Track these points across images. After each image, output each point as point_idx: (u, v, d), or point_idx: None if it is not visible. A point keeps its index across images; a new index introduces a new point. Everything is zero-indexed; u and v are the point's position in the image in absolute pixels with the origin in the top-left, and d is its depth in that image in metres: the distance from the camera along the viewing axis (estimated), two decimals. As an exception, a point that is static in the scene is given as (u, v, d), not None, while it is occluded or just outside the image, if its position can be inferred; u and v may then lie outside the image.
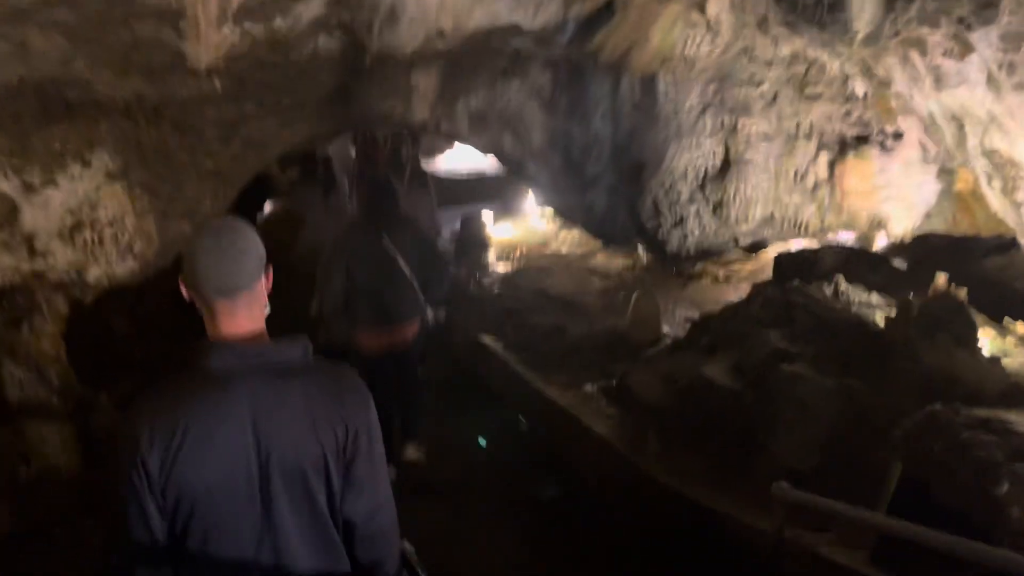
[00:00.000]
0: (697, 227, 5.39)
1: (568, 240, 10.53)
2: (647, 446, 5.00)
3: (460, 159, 19.74)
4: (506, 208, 12.94)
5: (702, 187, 5.26)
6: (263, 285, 1.81)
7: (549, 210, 11.90)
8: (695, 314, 7.99)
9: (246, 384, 1.71)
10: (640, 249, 9.62)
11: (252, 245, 1.77)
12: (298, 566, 1.76)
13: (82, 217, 3.89)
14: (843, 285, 4.91)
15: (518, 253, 9.93)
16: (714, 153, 5.30)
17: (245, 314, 1.76)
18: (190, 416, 1.67)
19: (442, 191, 13.20)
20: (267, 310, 1.85)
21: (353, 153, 12.96)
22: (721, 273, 8.94)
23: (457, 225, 13.86)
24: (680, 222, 5.40)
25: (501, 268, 9.52)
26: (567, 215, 5.66)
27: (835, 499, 3.36)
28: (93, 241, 4.01)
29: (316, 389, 1.79)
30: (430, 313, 5.17)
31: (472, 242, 10.32)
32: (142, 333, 7.68)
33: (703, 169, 5.24)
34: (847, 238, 6.51)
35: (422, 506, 4.99)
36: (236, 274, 1.72)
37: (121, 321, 7.36)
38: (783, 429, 4.21)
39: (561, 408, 5.74)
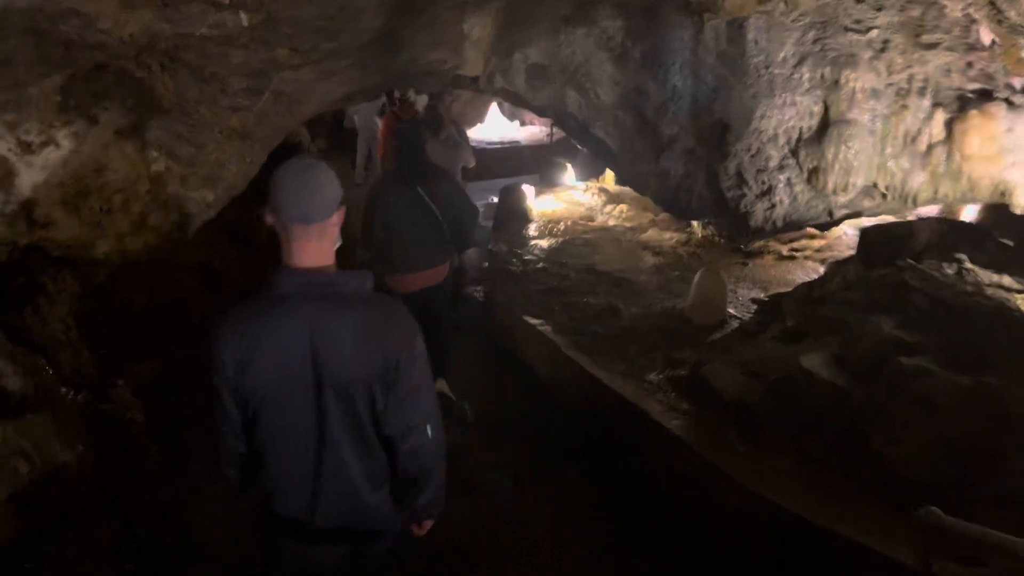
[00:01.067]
0: (787, 197, 4.73)
1: (615, 213, 9.87)
2: (730, 446, 4.39)
3: (491, 129, 19.15)
4: (543, 181, 12.30)
5: (795, 152, 4.59)
6: (335, 221, 2.10)
7: (594, 182, 11.24)
8: (760, 294, 7.35)
9: (309, 306, 2.05)
10: (696, 223, 8.95)
11: (329, 184, 2.08)
12: (345, 472, 2.15)
13: (88, 182, 3.31)
14: (968, 264, 4.23)
15: (562, 227, 9.29)
16: (811, 112, 4.59)
17: (315, 244, 2.06)
18: (258, 330, 2.07)
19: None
20: (338, 243, 2.14)
21: (380, 123, 12.38)
22: (785, 250, 8.27)
23: (487, 200, 13.25)
24: (767, 192, 4.75)
25: (544, 243, 8.89)
26: (636, 183, 5.05)
27: (978, 522, 2.75)
28: (101, 210, 3.43)
29: (369, 318, 2.12)
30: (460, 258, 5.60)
31: (512, 215, 9.69)
32: (164, 313, 7.17)
33: (797, 131, 4.56)
34: (968, 210, 5.79)
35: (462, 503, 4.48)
36: (312, 205, 2.02)
37: (140, 300, 6.84)
38: (903, 434, 3.58)
39: (625, 400, 5.13)
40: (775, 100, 4.46)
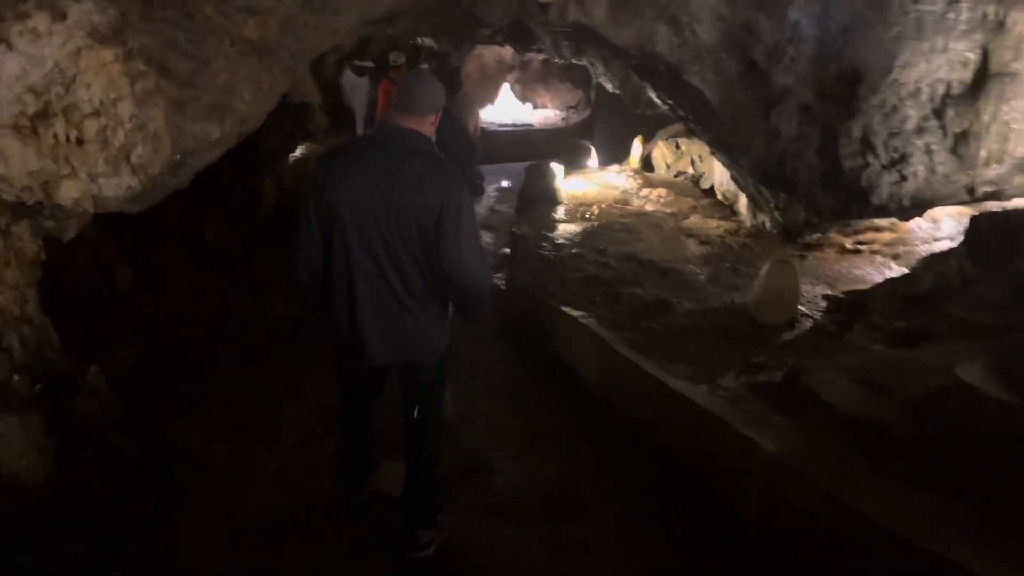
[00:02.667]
0: (923, 168, 3.87)
1: (653, 198, 9.01)
2: (852, 474, 3.52)
3: (502, 112, 18.24)
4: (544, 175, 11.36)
5: (939, 111, 3.73)
6: (430, 120, 3.00)
7: (627, 163, 10.37)
8: (827, 291, 6.51)
9: (389, 151, 2.87)
10: (746, 209, 8.10)
11: (432, 93, 2.99)
12: (406, 282, 2.92)
13: (51, 100, 2.41)
14: None
15: (595, 211, 8.41)
16: (965, 61, 3.72)
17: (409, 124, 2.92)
18: (348, 159, 2.93)
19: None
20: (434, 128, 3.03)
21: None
22: (849, 243, 7.44)
23: (499, 184, 12.38)
24: (899, 161, 3.89)
25: (576, 227, 8.01)
26: (734, 145, 4.20)
27: None
28: (68, 139, 2.53)
29: (429, 168, 2.88)
30: None
31: (539, 196, 8.80)
32: (153, 285, 6.27)
33: (945, 85, 3.70)
34: None
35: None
36: (413, 103, 2.93)
37: (125, 270, 5.94)
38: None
39: (701, 410, 4.27)
40: (922, 45, 3.59)
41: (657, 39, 3.60)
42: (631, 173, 9.71)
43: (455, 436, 4.68)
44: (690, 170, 11.66)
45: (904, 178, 3.97)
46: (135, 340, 5.29)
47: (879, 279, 6.73)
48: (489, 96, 17.93)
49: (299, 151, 10.40)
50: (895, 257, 7.06)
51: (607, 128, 16.06)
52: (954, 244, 6.90)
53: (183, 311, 6.37)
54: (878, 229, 7.36)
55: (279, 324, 6.74)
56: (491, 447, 4.55)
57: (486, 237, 10.11)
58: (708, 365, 5.21)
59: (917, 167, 3.91)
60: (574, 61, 8.15)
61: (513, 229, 8.26)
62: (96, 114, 2.51)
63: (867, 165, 3.87)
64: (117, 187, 2.70)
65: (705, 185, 10.30)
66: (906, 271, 6.70)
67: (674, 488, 4.12)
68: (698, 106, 3.87)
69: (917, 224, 7.32)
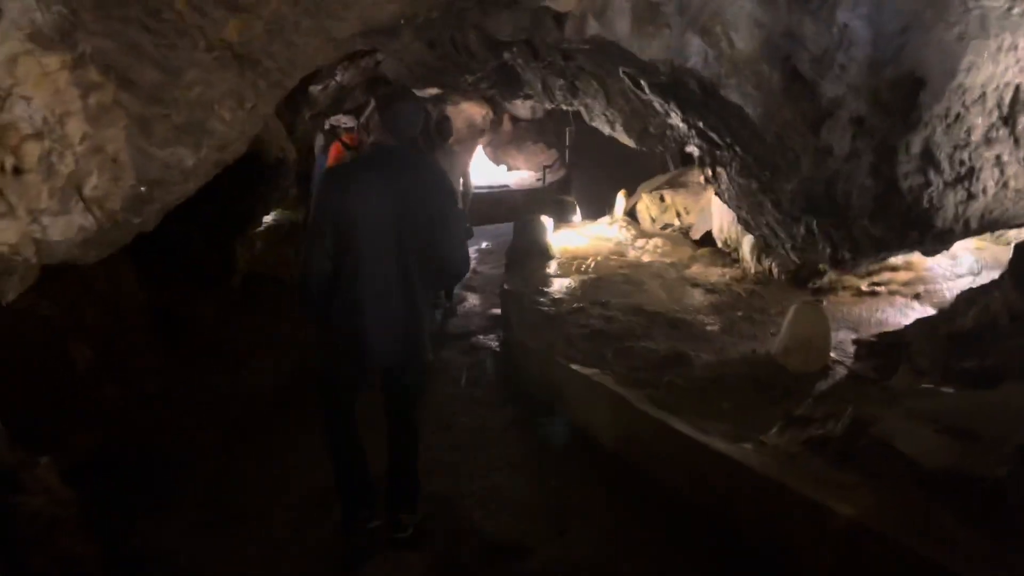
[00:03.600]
0: (993, 184, 3.44)
1: (649, 248, 8.62)
2: (949, 534, 2.99)
3: (477, 175, 17.99)
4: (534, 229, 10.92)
5: (1008, 119, 3.33)
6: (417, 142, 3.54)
7: (619, 214, 10.02)
8: (851, 335, 6.07)
9: (393, 167, 3.22)
10: (749, 255, 7.71)
11: (420, 119, 3.36)
12: (411, 288, 3.28)
13: (-20, 118, 1.87)
14: None
15: (591, 264, 7.96)
16: (1037, 61, 3.41)
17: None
18: (357, 176, 3.25)
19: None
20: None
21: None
22: (864, 285, 7.05)
23: (480, 247, 12.05)
24: (965, 176, 3.46)
25: (573, 281, 7.53)
26: (777, 167, 3.73)
27: None
28: (3, 168, 2.00)
29: (429, 179, 3.31)
30: None
31: (530, 251, 8.35)
32: (116, 364, 5.62)
33: (1013, 88, 3.32)
34: None
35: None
36: (408, 128, 3.30)
37: (83, 348, 5.31)
38: None
39: (755, 473, 3.73)
40: (990, 43, 3.23)
41: (689, 52, 3.20)
42: (623, 224, 9.34)
43: (472, 517, 4.08)
44: (676, 222, 11.34)
45: (972, 196, 3.55)
46: (95, 426, 4.63)
47: (905, 321, 6.31)
48: (463, 161, 17.68)
49: (271, 217, 9.89)
50: (916, 297, 6.68)
51: (584, 186, 15.85)
52: (977, 280, 6.57)
53: (151, 392, 5.72)
54: (894, 268, 7.00)
55: (258, 401, 6.11)
56: (515, 528, 3.95)
57: (471, 299, 9.62)
58: (745, 421, 4.69)
59: (986, 182, 3.50)
60: (564, 107, 7.79)
61: (505, 286, 7.77)
62: (38, 135, 1.99)
63: (928, 184, 3.46)
64: (66, 228, 2.16)
65: (695, 236, 9.95)
66: (932, 310, 6.32)
67: (729, 562, 3.54)
68: (736, 125, 3.45)
69: (935, 262, 6.97)
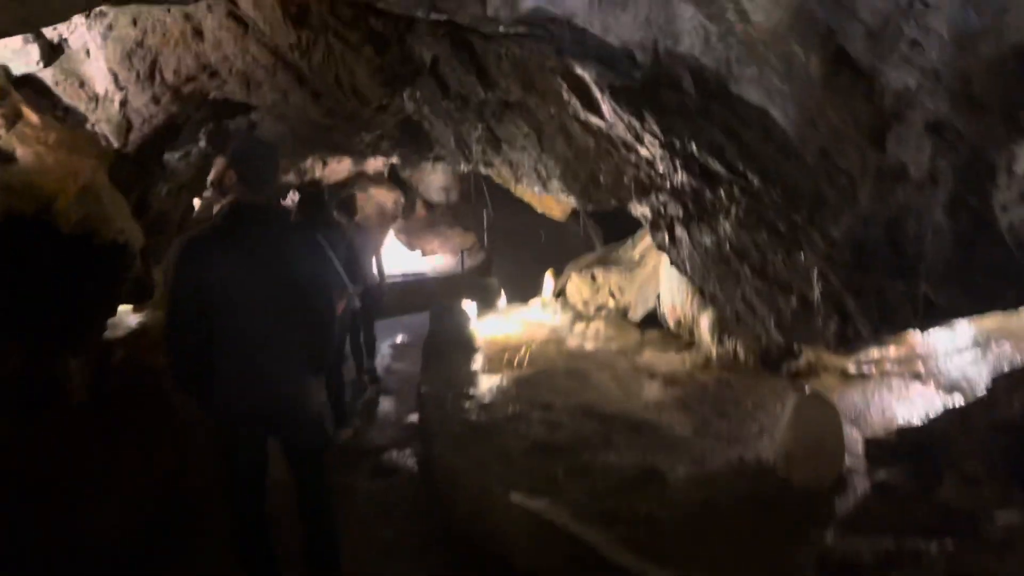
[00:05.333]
0: None
1: (591, 334, 7.39)
2: None
3: (389, 261, 16.63)
4: (454, 317, 9.57)
5: None
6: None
7: (548, 296, 8.82)
8: (859, 432, 4.91)
9: (253, 227, 3.04)
10: (709, 335, 6.56)
11: (276, 163, 3.30)
12: (290, 347, 3.10)
13: None
14: None
15: (525, 355, 6.64)
16: None
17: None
18: (223, 240, 3.02)
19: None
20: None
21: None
22: (851, 366, 5.94)
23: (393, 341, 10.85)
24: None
25: (506, 378, 6.18)
26: (808, 213, 2.63)
27: None
28: None
29: (292, 238, 3.15)
30: None
31: (451, 343, 6.98)
32: None
33: None
34: None
35: None
36: (267, 178, 3.11)
37: None
38: None
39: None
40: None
41: (679, 28, 2.08)
42: (559, 307, 8.13)
43: None
44: (611, 303, 10.25)
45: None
46: None
47: (910, 408, 5.21)
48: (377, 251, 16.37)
49: (138, 319, 8.27)
50: (916, 377, 5.59)
51: (506, 268, 14.74)
52: (985, 354, 5.57)
53: None
54: (882, 343, 5.90)
55: (113, 552, 4.51)
56: None
57: (385, 402, 8.14)
58: (758, 569, 3.38)
59: None
60: (483, 169, 6.61)
61: (422, 389, 6.36)
62: None
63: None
64: None
65: (635, 317, 8.84)
66: (939, 394, 5.24)
67: None
68: (754, 141, 2.32)
69: (929, 334, 5.92)
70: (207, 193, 6.44)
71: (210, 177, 7.19)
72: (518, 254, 14.93)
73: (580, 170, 4.18)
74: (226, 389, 3.10)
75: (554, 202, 11.04)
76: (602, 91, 2.47)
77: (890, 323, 3.36)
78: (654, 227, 5.03)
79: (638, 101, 2.37)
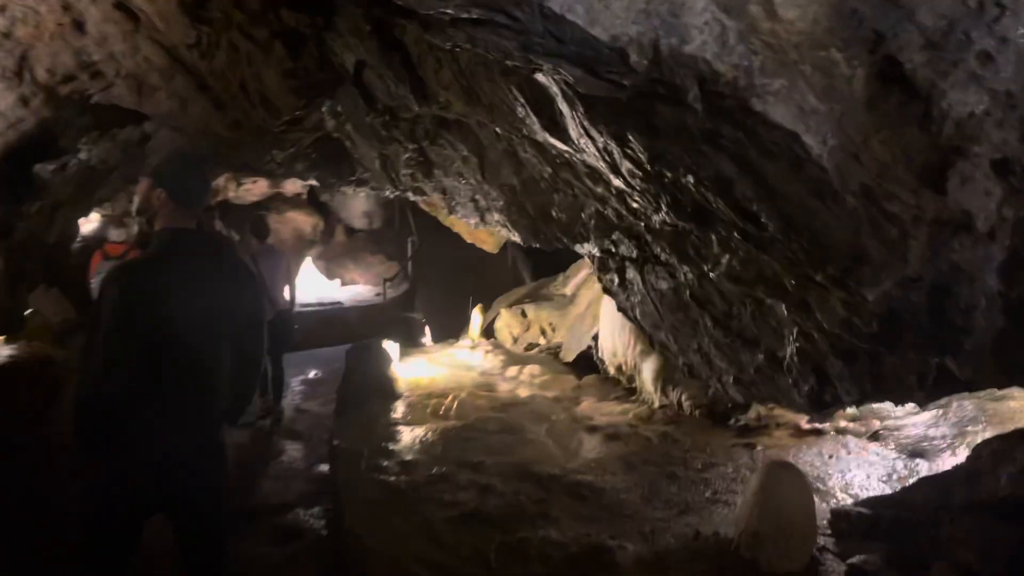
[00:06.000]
0: None
1: (524, 379, 6.79)
2: None
3: (304, 290, 15.68)
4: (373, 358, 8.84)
5: None
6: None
7: (476, 332, 8.20)
8: (822, 500, 4.46)
9: (187, 257, 2.67)
10: (652, 385, 6.07)
11: (204, 178, 2.93)
12: (208, 397, 2.68)
13: None
14: None
15: (452, 404, 5.98)
16: None
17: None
18: (148, 271, 2.63)
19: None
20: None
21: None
22: (803, 422, 5.55)
23: (306, 376, 10.10)
24: None
25: (431, 431, 5.50)
26: (825, 276, 2.16)
27: None
28: None
29: (228, 272, 2.73)
30: None
31: (368, 388, 6.26)
32: None
33: None
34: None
35: None
36: (195, 195, 2.79)
37: None
38: None
39: None
40: None
41: (688, 25, 1.59)
42: (488, 348, 7.52)
43: None
44: (542, 340, 9.73)
45: None
46: None
47: (872, 472, 4.84)
48: (291, 276, 15.42)
49: (7, 353, 7.27)
50: (874, 438, 5.23)
51: (431, 301, 14.03)
52: (946, 412, 5.24)
53: None
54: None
55: None
56: None
57: (292, 449, 7.32)
58: None
59: None
60: (411, 195, 5.96)
61: (335, 441, 5.63)
62: None
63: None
64: None
65: (568, 357, 8.32)
66: (899, 456, 4.87)
67: None
68: (778, 176, 1.80)
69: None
70: (113, 237, 5.63)
71: (134, 205, 6.40)
72: (444, 286, 14.26)
73: (529, 203, 3.58)
74: (123, 448, 2.66)
75: (486, 233, 10.46)
76: (572, 105, 1.93)
77: (885, 392, 2.89)
78: (602, 268, 4.49)
79: (623, 118, 1.86)
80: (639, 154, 1.89)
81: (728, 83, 1.59)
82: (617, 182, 2.17)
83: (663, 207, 2.10)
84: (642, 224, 2.57)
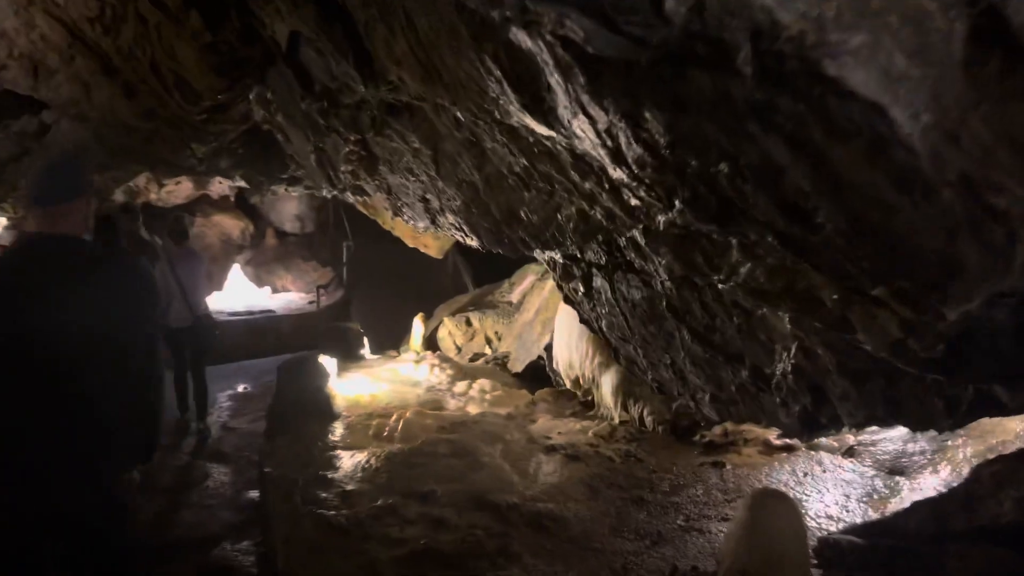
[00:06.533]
0: None
1: (475, 395, 6.32)
2: None
3: (232, 297, 14.85)
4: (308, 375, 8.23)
5: None
6: (78, 209, 2.43)
7: (417, 343, 7.70)
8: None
9: (46, 267, 2.31)
10: (612, 399, 5.70)
11: (66, 172, 2.52)
12: (77, 424, 2.29)
13: None
14: None
15: (397, 425, 5.46)
16: None
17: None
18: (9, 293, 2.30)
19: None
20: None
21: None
22: (773, 437, 5.26)
23: (234, 390, 9.51)
24: None
25: (374, 455, 4.98)
26: (898, 291, 1.83)
27: None
28: None
29: (99, 279, 2.37)
30: None
31: (303, 407, 5.70)
32: None
33: None
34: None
35: None
36: (48, 191, 2.39)
37: None
38: None
39: None
40: None
41: None
42: (435, 361, 7.01)
43: None
44: (487, 350, 9.29)
45: None
46: None
47: (850, 492, 4.55)
48: (214, 282, 14.59)
49: None
50: (849, 454, 4.95)
51: (368, 309, 13.41)
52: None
53: None
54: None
55: None
56: None
57: (219, 473, 6.68)
58: None
59: None
60: (352, 197, 5.42)
61: (266, 468, 5.06)
62: None
63: None
64: None
65: (516, 368, 7.90)
66: (875, 472, 4.60)
67: None
68: (849, 162, 1.40)
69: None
70: None
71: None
72: (382, 294, 13.66)
73: (493, 202, 3.08)
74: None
75: (431, 237, 9.94)
76: (569, 76, 1.50)
77: (900, 417, 2.56)
78: (565, 276, 4.07)
79: (639, 89, 1.44)
80: (656, 136, 1.48)
81: (792, 39, 1.19)
82: (617, 174, 1.76)
83: (676, 204, 1.69)
84: (640, 226, 2.16)
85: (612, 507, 4.43)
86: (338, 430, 5.48)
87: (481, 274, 13.86)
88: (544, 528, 4.13)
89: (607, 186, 1.99)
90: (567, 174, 2.12)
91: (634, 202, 1.92)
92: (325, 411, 5.61)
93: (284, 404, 5.75)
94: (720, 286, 2.12)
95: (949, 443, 4.72)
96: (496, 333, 9.47)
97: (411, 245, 10.69)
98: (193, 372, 6.97)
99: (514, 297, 9.69)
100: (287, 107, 3.72)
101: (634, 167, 1.65)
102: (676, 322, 3.56)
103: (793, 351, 2.88)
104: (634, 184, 1.76)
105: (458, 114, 2.40)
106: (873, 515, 4.17)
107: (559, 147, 2.00)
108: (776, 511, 3.40)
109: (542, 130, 1.91)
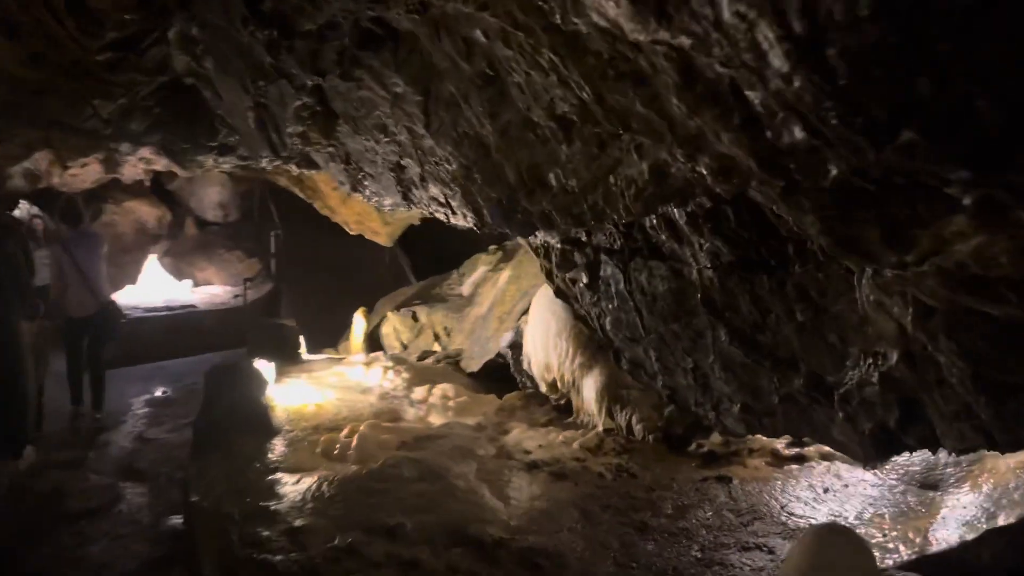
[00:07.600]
0: None
1: (436, 403, 5.55)
2: None
3: (148, 292, 13.59)
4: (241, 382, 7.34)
5: None
6: None
7: (359, 340, 6.91)
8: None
9: None
10: (596, 405, 5.04)
11: None
12: None
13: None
14: None
15: (351, 441, 4.64)
16: None
17: None
18: None
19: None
20: None
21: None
22: (782, 446, 4.71)
23: (153, 394, 8.63)
24: None
25: (324, 480, 4.16)
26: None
27: None
28: None
29: None
30: None
31: (236, 421, 4.83)
32: None
33: None
34: None
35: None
36: None
37: None
38: None
39: None
40: None
41: None
42: (388, 363, 6.21)
43: None
44: (436, 347, 8.53)
45: None
46: None
47: (888, 514, 4.01)
48: (127, 274, 13.32)
49: None
50: (870, 465, 4.38)
51: (299, 304, 12.43)
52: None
53: None
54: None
55: None
56: None
57: (133, 494, 5.74)
58: None
59: None
60: (295, 169, 4.56)
61: (193, 497, 4.22)
62: None
63: None
64: None
65: (471, 367, 7.17)
66: (902, 486, 4.08)
67: None
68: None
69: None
70: None
71: None
72: (315, 287, 12.70)
73: (510, 163, 2.29)
74: None
75: (379, 222, 9.04)
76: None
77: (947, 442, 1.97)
78: (563, 263, 3.37)
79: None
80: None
81: None
82: (793, 86, 1.09)
83: (904, 133, 1.03)
84: (781, 183, 1.47)
85: (613, 537, 3.77)
86: (279, 448, 4.64)
87: (420, 264, 13.01)
88: (538, 568, 3.43)
89: (737, 120, 1.31)
90: (664, 105, 1.43)
91: (793, 138, 1.23)
92: (263, 424, 4.75)
93: (213, 416, 4.87)
94: (889, 272, 1.48)
95: (984, 451, 4.23)
96: (446, 329, 8.73)
97: (355, 232, 9.79)
98: (90, 360, 6.58)
99: (465, 289, 8.95)
100: (219, 47, 2.88)
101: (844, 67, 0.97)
102: (711, 319, 2.91)
103: (894, 358, 2.25)
104: (828, 103, 1.08)
105: (476, 32, 1.68)
106: (915, 538, 3.62)
107: (662, 61, 1.32)
108: (841, 552, 2.78)
109: (640, 32, 1.22)
